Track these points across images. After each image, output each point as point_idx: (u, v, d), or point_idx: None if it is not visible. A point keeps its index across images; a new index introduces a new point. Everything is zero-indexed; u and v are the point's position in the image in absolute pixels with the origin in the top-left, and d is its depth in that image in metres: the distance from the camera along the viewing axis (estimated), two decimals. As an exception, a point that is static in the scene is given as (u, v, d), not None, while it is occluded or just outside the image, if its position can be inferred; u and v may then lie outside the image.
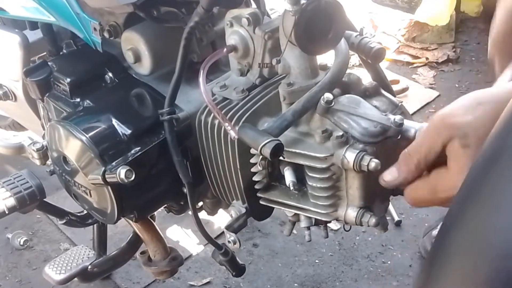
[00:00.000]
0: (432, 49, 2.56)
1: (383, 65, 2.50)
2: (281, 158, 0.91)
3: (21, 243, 1.63)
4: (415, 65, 2.50)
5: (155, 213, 1.35)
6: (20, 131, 1.77)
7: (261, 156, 0.92)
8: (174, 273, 1.32)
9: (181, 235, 1.74)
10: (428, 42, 2.58)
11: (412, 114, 2.20)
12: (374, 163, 0.83)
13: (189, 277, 1.63)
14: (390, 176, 0.76)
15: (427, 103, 2.26)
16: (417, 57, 2.53)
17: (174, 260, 1.28)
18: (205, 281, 1.61)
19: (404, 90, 2.28)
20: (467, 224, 0.49)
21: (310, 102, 0.87)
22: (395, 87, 2.27)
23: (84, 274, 1.09)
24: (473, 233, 0.48)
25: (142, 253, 1.28)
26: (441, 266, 0.51)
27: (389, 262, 1.63)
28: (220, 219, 1.75)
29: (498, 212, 0.46)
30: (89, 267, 1.09)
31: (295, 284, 1.59)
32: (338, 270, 1.62)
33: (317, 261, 1.65)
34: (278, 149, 0.77)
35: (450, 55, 2.50)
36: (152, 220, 1.27)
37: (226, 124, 0.91)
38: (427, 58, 2.51)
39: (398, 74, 2.42)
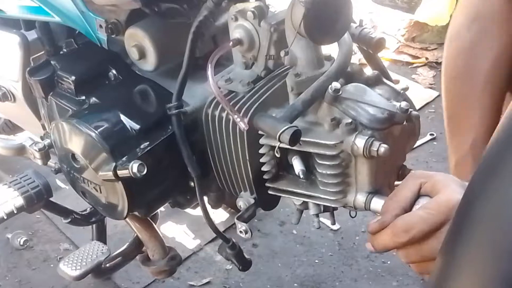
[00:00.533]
0: (432, 49, 2.55)
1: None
2: (293, 147, 0.93)
3: (21, 243, 1.62)
4: (415, 65, 2.50)
5: (158, 214, 1.36)
6: (10, 134, 1.76)
7: (270, 146, 0.94)
8: (173, 272, 1.32)
9: (181, 236, 1.75)
10: (428, 42, 2.58)
11: (412, 114, 2.23)
12: (383, 148, 0.86)
13: (188, 277, 1.63)
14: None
15: (427, 103, 2.26)
16: (417, 57, 2.53)
17: (173, 259, 1.28)
18: (204, 281, 1.61)
19: (404, 90, 2.30)
20: (490, 197, 0.51)
21: (318, 91, 0.90)
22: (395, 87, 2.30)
23: (98, 270, 1.10)
24: (497, 205, 0.50)
25: (141, 252, 1.29)
26: (463, 243, 0.53)
27: (389, 262, 1.63)
28: (220, 217, 1.76)
29: None
30: (104, 262, 1.09)
31: (295, 284, 1.59)
32: (338, 270, 1.62)
33: (317, 261, 1.65)
34: (296, 135, 0.80)
35: (450, 54, 2.52)
36: (150, 219, 1.27)
37: (236, 116, 0.93)
38: (427, 58, 2.51)
39: (398, 74, 2.40)
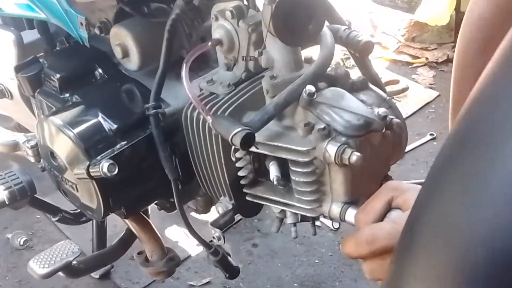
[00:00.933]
0: (432, 49, 2.54)
1: (383, 65, 2.48)
2: (265, 152, 0.90)
3: (21, 243, 1.63)
4: (414, 65, 2.48)
5: (149, 211, 1.35)
6: (28, 133, 1.79)
7: (239, 150, 0.91)
8: (172, 273, 1.31)
9: (181, 236, 1.74)
10: (428, 42, 2.56)
11: (412, 114, 2.18)
12: (355, 156, 0.81)
13: (188, 277, 1.62)
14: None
15: (427, 103, 2.24)
16: (417, 57, 2.51)
17: (171, 260, 1.27)
18: (204, 281, 1.60)
19: (404, 90, 2.26)
20: (434, 212, 0.48)
21: (292, 95, 0.86)
22: (395, 87, 2.25)
23: (69, 269, 1.09)
24: (441, 221, 0.47)
25: (139, 253, 1.28)
26: (409, 257, 0.50)
27: (389, 262, 1.60)
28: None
29: (468, 200, 0.44)
30: (74, 262, 1.08)
31: (295, 284, 1.58)
32: (338, 270, 1.60)
33: (316, 261, 1.63)
34: (248, 139, 0.76)
35: (450, 55, 2.47)
36: (148, 220, 1.26)
37: (208, 117, 0.90)
38: (427, 58, 2.49)
39: (398, 74, 2.40)
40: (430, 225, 0.48)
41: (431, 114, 2.18)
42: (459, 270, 0.42)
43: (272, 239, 1.70)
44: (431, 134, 2.04)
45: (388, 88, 2.21)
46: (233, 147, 0.93)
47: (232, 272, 1.20)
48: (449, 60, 2.46)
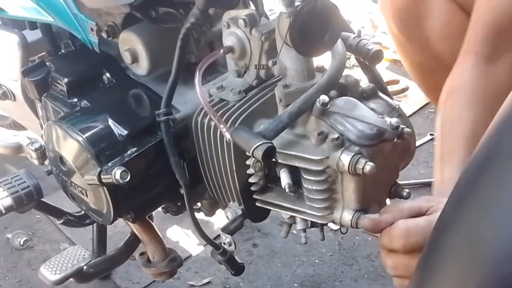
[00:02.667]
0: None
1: (383, 65, 2.48)
2: (277, 160, 0.91)
3: (21, 243, 1.63)
4: None
5: (153, 213, 1.35)
6: (21, 130, 1.78)
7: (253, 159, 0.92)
8: (173, 274, 1.31)
9: (181, 236, 1.74)
10: None
11: (412, 114, 2.19)
12: (369, 166, 0.82)
13: (189, 277, 1.62)
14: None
15: (427, 103, 2.24)
16: None
17: (173, 261, 1.27)
18: (205, 281, 1.60)
19: (404, 90, 2.28)
20: (461, 227, 0.49)
21: (306, 104, 0.87)
22: (395, 87, 2.26)
23: (79, 275, 1.09)
24: (467, 236, 0.48)
25: (141, 254, 1.28)
26: (435, 269, 0.51)
27: (389, 262, 1.62)
28: (220, 220, 1.74)
29: (493, 215, 0.46)
30: (85, 267, 1.08)
31: (295, 284, 1.58)
32: (338, 270, 1.61)
33: (317, 261, 1.64)
34: (270, 152, 0.77)
35: (449, 55, 2.50)
36: (151, 221, 1.27)
37: (222, 126, 0.91)
38: None
39: (398, 74, 2.40)
40: (457, 236, 0.49)
41: (431, 114, 2.18)
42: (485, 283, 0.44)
43: (272, 239, 1.71)
44: (431, 134, 2.05)
45: (389, 88, 2.22)
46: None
47: (237, 269, 1.21)
48: (449, 60, 2.49)
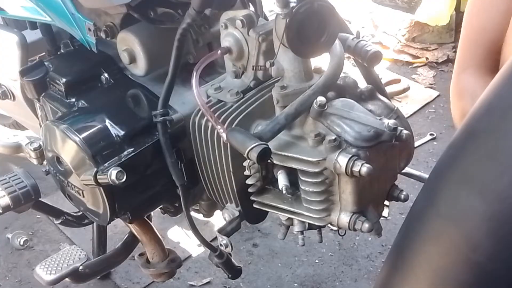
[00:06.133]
0: (432, 49, 2.55)
1: (384, 65, 2.48)
2: (274, 162, 0.90)
3: (21, 243, 1.63)
4: (415, 65, 2.50)
5: (152, 213, 1.35)
6: (24, 130, 1.78)
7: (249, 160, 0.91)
8: (173, 275, 1.31)
9: (181, 236, 1.74)
10: (428, 42, 2.58)
11: (412, 114, 2.19)
12: (366, 168, 0.82)
13: (189, 277, 1.62)
14: None
15: (427, 103, 2.26)
16: (417, 57, 2.53)
17: (173, 262, 1.27)
18: (205, 281, 1.61)
19: (405, 90, 2.28)
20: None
21: (303, 105, 0.86)
22: (396, 87, 2.26)
23: (75, 275, 1.09)
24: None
25: (141, 255, 1.28)
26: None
27: (389, 262, 1.62)
28: (219, 221, 1.74)
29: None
30: (80, 268, 1.08)
31: (295, 284, 1.59)
32: (338, 270, 1.61)
33: (317, 261, 1.64)
34: (265, 154, 0.77)
35: (450, 55, 2.49)
36: (150, 222, 1.26)
37: (219, 127, 0.90)
38: (427, 58, 2.51)
39: (398, 74, 2.41)
40: None
41: (431, 114, 2.20)
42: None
43: (272, 239, 1.71)
44: (431, 134, 2.06)
45: (389, 88, 2.22)
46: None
47: (234, 272, 1.21)
48: (449, 60, 2.48)
